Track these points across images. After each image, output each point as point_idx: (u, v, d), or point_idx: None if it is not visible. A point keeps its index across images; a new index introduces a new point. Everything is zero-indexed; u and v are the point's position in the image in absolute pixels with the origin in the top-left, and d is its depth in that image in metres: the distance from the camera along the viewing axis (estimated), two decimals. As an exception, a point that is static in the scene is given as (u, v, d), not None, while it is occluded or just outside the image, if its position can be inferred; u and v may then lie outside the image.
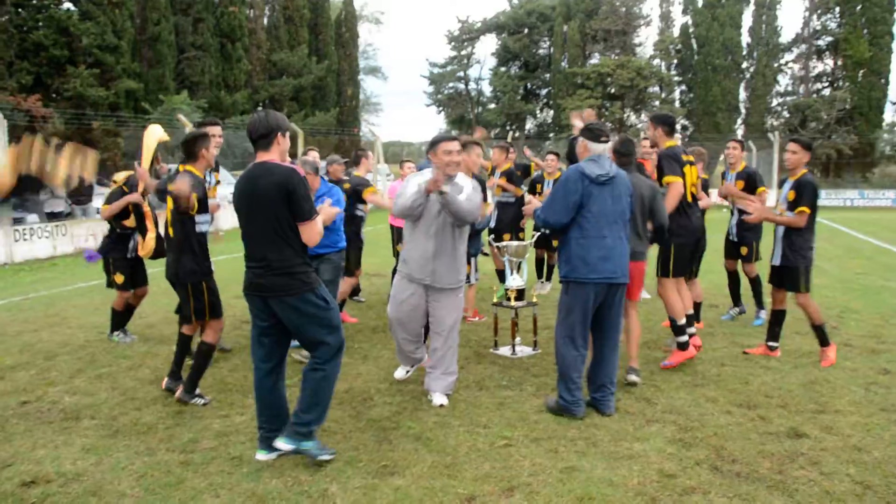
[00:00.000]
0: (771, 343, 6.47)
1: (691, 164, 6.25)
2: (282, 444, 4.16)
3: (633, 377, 5.66)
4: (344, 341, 4.28)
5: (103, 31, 27.15)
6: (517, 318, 6.66)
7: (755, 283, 7.92)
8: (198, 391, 5.32)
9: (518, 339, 6.64)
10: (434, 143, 5.19)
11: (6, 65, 25.33)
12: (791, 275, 6.17)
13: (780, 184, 6.44)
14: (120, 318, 7.23)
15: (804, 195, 6.02)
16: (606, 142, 4.97)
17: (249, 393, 5.45)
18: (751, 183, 7.66)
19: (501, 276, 8.58)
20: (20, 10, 26.88)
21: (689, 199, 6.24)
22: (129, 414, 5.07)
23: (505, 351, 6.62)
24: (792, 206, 6.12)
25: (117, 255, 6.99)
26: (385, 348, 6.85)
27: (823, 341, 6.27)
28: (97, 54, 27.06)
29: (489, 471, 4.08)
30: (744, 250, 7.83)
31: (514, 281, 6.60)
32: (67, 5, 27.88)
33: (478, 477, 4.00)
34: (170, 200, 5.22)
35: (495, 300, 7.11)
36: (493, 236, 8.76)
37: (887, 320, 7.87)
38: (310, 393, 4.18)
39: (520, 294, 6.65)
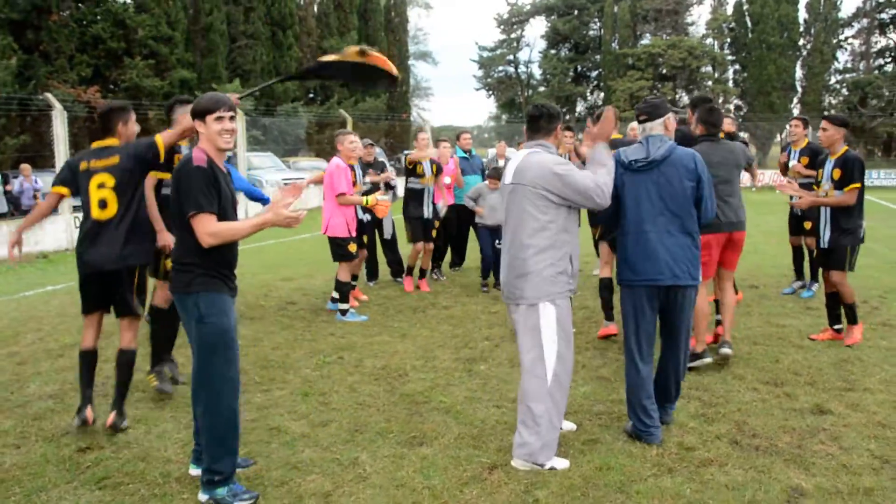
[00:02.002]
0: (837, 326, 6.34)
1: None
2: (200, 495, 3.71)
3: (725, 349, 5.63)
4: (212, 368, 3.62)
5: (158, 23, 27.96)
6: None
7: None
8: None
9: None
10: (556, 117, 4.13)
11: (67, 58, 26.25)
12: (837, 254, 6.09)
13: (821, 164, 6.33)
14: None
15: (854, 171, 5.93)
16: (645, 120, 4.33)
17: (290, 369, 5.74)
18: (814, 159, 7.59)
19: None
20: (80, 4, 27.81)
21: None
22: (177, 388, 5.35)
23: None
24: (839, 184, 6.01)
25: None
26: (423, 327, 7.06)
27: (852, 319, 6.21)
28: (152, 45, 27.88)
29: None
30: (808, 224, 7.79)
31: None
32: (124, -2, 28.74)
33: (502, 448, 4.17)
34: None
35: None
36: None
37: (932, 301, 7.75)
38: (203, 430, 3.72)
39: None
